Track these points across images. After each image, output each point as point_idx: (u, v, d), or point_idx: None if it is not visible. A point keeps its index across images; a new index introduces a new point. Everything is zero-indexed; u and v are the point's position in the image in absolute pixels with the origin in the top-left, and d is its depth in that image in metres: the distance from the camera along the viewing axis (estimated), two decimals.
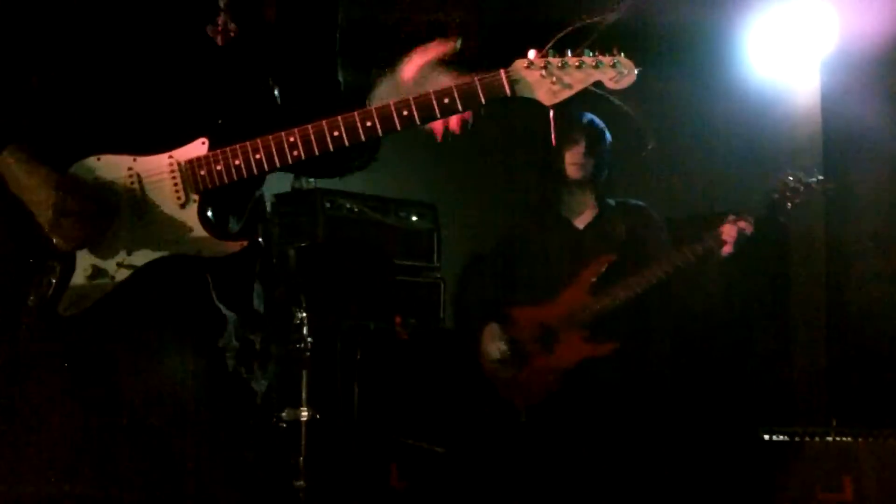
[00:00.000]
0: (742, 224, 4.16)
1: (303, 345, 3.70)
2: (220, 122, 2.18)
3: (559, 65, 2.04)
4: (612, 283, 4.27)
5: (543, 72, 2.04)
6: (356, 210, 5.36)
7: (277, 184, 5.55)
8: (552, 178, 4.53)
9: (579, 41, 1.99)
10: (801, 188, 4.21)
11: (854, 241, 5.10)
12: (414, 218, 5.63)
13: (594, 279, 4.32)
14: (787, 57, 5.66)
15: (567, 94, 2.05)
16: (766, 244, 4.53)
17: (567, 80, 2.04)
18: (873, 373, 5.07)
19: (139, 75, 2.20)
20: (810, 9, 5.51)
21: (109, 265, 2.14)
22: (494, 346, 4.36)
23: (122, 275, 2.13)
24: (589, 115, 4.49)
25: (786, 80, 5.74)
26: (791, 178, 4.23)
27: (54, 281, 2.11)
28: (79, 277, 2.13)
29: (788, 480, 4.39)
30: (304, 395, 3.73)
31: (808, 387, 5.44)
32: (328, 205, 5.28)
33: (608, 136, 4.50)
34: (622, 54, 2.05)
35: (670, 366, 4.60)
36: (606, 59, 2.04)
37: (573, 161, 4.43)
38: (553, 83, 2.04)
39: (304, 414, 3.73)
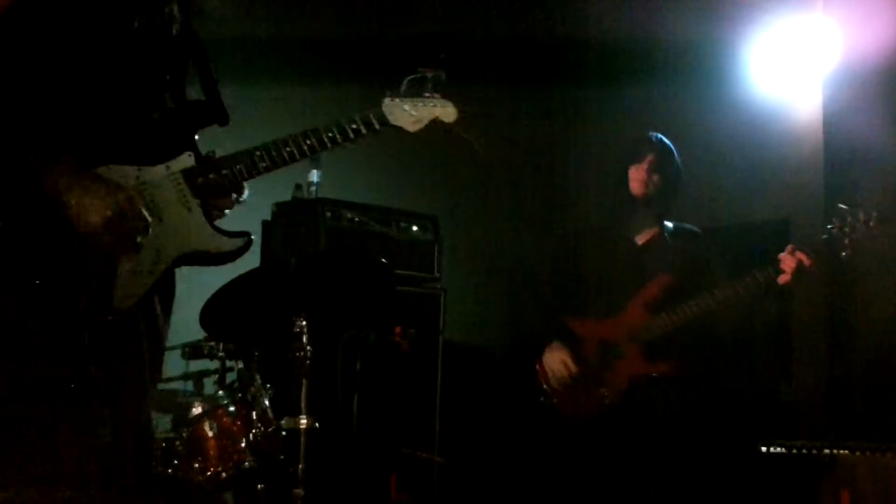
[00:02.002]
0: (801, 255, 4.11)
1: (302, 353, 3.69)
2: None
3: (413, 103, 2.64)
4: (672, 305, 4.27)
5: (406, 107, 2.63)
6: (357, 220, 5.37)
7: (278, 192, 5.57)
8: (616, 194, 4.53)
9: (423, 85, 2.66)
10: (859, 224, 4.13)
11: (855, 256, 5.10)
12: (415, 229, 5.65)
13: (654, 299, 4.33)
14: (789, 73, 5.68)
15: (420, 125, 2.64)
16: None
17: (418, 114, 2.63)
18: (872, 388, 5.07)
19: (126, 90, 2.49)
20: (813, 26, 5.53)
21: (147, 262, 2.46)
22: (561, 365, 4.38)
23: (160, 269, 2.48)
24: (658, 135, 4.50)
25: (788, 96, 5.77)
26: (849, 213, 4.15)
27: (99, 281, 2.38)
28: (123, 275, 2.42)
29: (786, 494, 4.39)
30: (303, 403, 3.72)
31: (808, 402, 5.44)
32: (329, 214, 5.29)
33: (676, 157, 4.50)
34: (445, 99, 2.67)
35: (705, 386, 4.58)
36: (438, 101, 2.66)
37: (637, 177, 4.43)
38: (411, 116, 2.63)
39: (304, 422, 3.72)
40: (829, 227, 4.15)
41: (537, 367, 4.43)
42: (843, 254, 4.12)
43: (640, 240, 4.53)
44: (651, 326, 4.28)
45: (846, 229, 4.11)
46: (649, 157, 4.43)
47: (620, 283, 4.44)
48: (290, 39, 6.08)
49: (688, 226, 4.62)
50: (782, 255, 4.11)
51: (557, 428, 4.42)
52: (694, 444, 4.29)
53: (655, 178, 4.43)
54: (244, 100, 2.93)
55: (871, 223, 4.08)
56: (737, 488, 4.55)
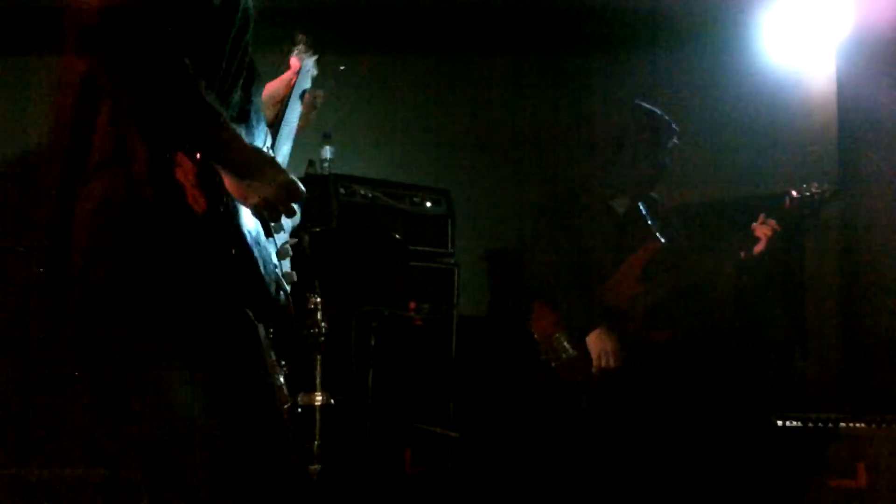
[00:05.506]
0: (772, 223, 4.20)
1: (317, 330, 3.70)
2: None
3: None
4: (657, 273, 4.30)
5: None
6: (370, 196, 5.36)
7: (291, 169, 5.57)
8: (611, 162, 4.52)
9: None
10: (816, 198, 4.19)
11: (868, 227, 5.08)
12: (428, 204, 5.63)
13: (644, 266, 4.34)
14: (802, 41, 5.64)
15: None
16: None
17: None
18: (888, 360, 5.06)
19: None
20: None
21: None
22: (611, 352, 4.34)
23: None
24: (661, 112, 4.54)
25: (801, 65, 5.73)
26: (806, 188, 4.21)
27: None
28: None
29: (801, 467, 4.39)
30: (318, 380, 3.74)
31: (823, 375, 5.43)
32: (342, 190, 5.28)
33: (676, 129, 4.53)
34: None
35: (700, 353, 4.60)
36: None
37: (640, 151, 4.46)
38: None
39: (319, 398, 3.74)
40: (786, 196, 4.26)
41: (534, 333, 4.44)
42: (804, 225, 4.24)
43: (621, 208, 4.56)
44: (643, 295, 4.29)
45: (805, 198, 4.17)
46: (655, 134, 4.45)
47: (605, 251, 4.46)
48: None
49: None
50: (755, 225, 4.21)
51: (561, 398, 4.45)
52: (694, 414, 4.31)
53: (652, 153, 4.46)
54: None
55: (826, 195, 4.16)
56: (751, 462, 4.56)
